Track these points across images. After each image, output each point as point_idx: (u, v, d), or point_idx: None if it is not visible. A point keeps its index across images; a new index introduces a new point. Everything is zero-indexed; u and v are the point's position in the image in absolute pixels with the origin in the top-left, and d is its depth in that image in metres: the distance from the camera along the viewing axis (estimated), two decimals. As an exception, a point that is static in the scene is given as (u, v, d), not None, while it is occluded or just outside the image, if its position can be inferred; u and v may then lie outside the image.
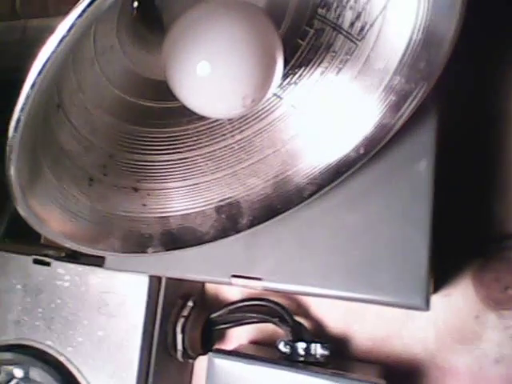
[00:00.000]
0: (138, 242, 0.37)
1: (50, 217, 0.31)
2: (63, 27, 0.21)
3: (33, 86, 0.22)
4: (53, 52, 0.21)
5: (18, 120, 0.23)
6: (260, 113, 0.40)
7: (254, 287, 0.43)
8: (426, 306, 0.39)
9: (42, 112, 0.27)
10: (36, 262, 0.52)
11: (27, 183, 0.27)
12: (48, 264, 0.51)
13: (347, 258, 0.41)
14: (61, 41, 0.21)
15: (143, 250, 0.37)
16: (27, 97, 0.22)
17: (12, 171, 0.25)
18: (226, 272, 0.44)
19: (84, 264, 0.50)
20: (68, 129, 0.32)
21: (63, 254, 0.53)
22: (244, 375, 0.46)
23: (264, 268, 0.43)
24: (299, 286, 0.42)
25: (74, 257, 0.53)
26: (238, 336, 0.56)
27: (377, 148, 0.38)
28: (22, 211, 0.28)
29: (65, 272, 0.50)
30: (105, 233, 0.35)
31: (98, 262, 0.50)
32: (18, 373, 0.49)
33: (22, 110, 0.22)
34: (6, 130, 0.24)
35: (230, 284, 0.44)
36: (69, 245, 0.33)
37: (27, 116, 0.23)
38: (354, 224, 0.41)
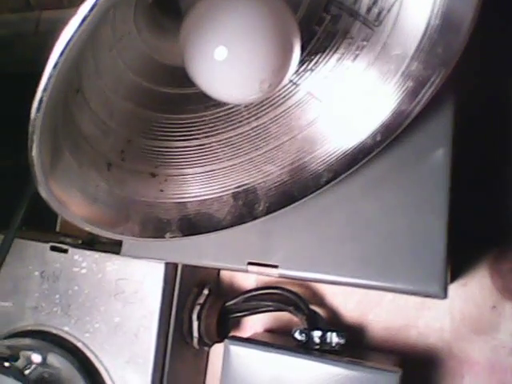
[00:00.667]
0: (156, 227, 0.37)
1: (70, 200, 0.31)
2: (85, 7, 0.21)
3: (55, 66, 0.22)
4: (75, 32, 0.21)
5: (41, 100, 0.23)
6: (276, 99, 0.40)
7: (270, 275, 0.43)
8: (444, 293, 0.39)
9: (63, 95, 0.28)
10: (53, 248, 0.52)
11: (49, 166, 0.28)
12: (65, 251, 0.52)
13: (364, 245, 0.41)
14: (83, 20, 0.21)
15: (161, 234, 0.37)
16: (50, 77, 0.22)
17: (34, 152, 0.25)
18: (242, 259, 0.44)
19: (101, 251, 0.51)
20: (87, 113, 0.32)
21: (80, 242, 0.53)
22: (260, 362, 0.46)
23: (280, 255, 0.43)
24: (316, 274, 0.42)
25: (90, 244, 0.53)
26: (253, 324, 0.57)
27: (394, 135, 0.38)
28: (43, 193, 0.29)
29: (82, 259, 0.51)
30: (124, 217, 0.36)
31: (114, 249, 0.50)
32: (36, 358, 0.49)
33: (44, 90, 0.22)
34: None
35: (246, 271, 0.44)
36: (88, 228, 0.33)
37: (49, 97, 0.24)
38: (371, 211, 0.41)
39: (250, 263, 0.44)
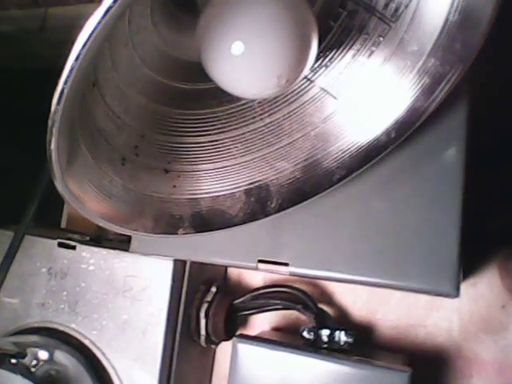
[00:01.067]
0: (169, 223, 0.37)
1: (86, 195, 0.31)
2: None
3: (77, 58, 0.22)
4: (98, 23, 0.21)
5: (62, 92, 0.22)
6: (290, 96, 0.40)
7: (280, 272, 0.43)
8: (456, 292, 0.38)
9: (81, 89, 0.27)
10: (61, 245, 0.52)
11: (65, 160, 0.27)
12: (73, 247, 0.51)
13: (376, 243, 0.40)
14: (106, 12, 0.21)
15: (174, 231, 0.37)
16: (71, 69, 0.22)
17: (53, 145, 0.25)
18: (253, 257, 0.43)
19: (109, 248, 0.50)
20: (102, 107, 0.32)
21: (88, 239, 0.53)
22: (268, 361, 0.46)
23: (291, 253, 0.43)
24: (327, 272, 0.41)
25: (97, 241, 0.53)
26: (261, 322, 0.56)
27: (408, 132, 0.38)
28: (60, 188, 0.28)
29: (90, 256, 0.51)
30: (137, 213, 0.35)
31: (121, 246, 0.50)
32: (43, 355, 0.49)
33: (65, 82, 0.22)
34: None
35: (256, 269, 0.43)
36: (102, 224, 0.33)
37: (69, 90, 0.23)
38: (384, 209, 0.40)
39: (261, 261, 0.43)
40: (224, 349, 0.57)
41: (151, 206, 0.36)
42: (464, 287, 0.50)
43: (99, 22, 0.21)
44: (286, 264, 0.43)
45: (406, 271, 0.39)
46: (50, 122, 0.24)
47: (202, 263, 0.49)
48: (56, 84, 0.23)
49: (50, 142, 0.24)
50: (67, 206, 0.65)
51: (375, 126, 0.38)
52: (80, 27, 0.21)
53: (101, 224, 0.33)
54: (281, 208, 0.39)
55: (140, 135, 0.36)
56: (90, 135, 0.31)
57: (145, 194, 0.36)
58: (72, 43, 0.22)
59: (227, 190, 0.39)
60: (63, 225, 0.65)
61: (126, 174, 0.34)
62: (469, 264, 0.49)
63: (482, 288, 0.51)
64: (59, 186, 0.28)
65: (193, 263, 0.50)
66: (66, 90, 0.22)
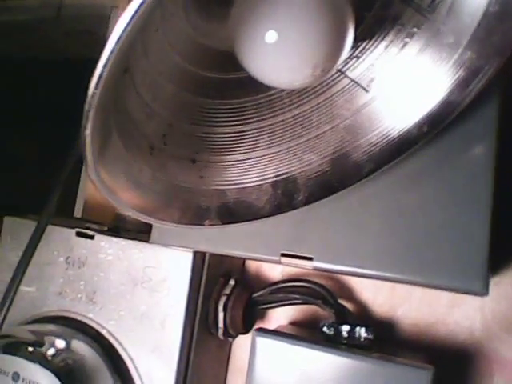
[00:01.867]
0: (196, 214, 0.36)
1: (117, 184, 0.30)
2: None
3: (118, 40, 0.21)
4: (142, 3, 0.20)
5: (101, 76, 0.22)
6: (319, 87, 0.39)
7: (304, 267, 0.42)
8: (486, 290, 0.38)
9: (114, 74, 0.26)
10: (79, 234, 0.51)
11: (98, 148, 0.27)
12: (91, 237, 0.51)
13: (404, 239, 0.39)
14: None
15: (200, 222, 0.36)
16: (111, 52, 0.21)
17: (88, 131, 0.24)
18: (275, 250, 0.43)
19: (128, 238, 0.50)
20: (133, 94, 0.31)
21: (106, 228, 0.52)
22: (287, 355, 0.45)
23: (315, 247, 0.42)
24: (352, 268, 0.41)
25: (115, 231, 0.52)
26: (278, 317, 0.56)
27: (441, 126, 0.37)
28: (92, 176, 0.27)
29: (108, 246, 0.50)
30: (165, 202, 0.35)
31: (139, 237, 0.50)
32: (60, 343, 0.48)
33: (105, 65, 0.21)
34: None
35: (279, 263, 0.43)
36: (132, 213, 0.32)
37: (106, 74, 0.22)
38: (412, 204, 0.40)
39: (284, 254, 0.43)
40: (240, 342, 0.56)
41: (178, 196, 0.35)
42: (487, 286, 0.50)
43: (143, 2, 0.20)
44: (309, 258, 0.42)
45: (434, 268, 0.39)
46: (86, 107, 0.23)
47: (222, 255, 0.48)
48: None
49: (85, 127, 0.24)
50: (81, 195, 0.65)
51: (407, 119, 0.37)
52: (122, 8, 0.20)
53: (129, 213, 0.32)
54: (308, 201, 0.39)
55: (168, 124, 0.35)
56: (121, 122, 0.30)
57: (173, 184, 0.35)
58: (108, 28, 0.21)
59: (254, 181, 0.38)
60: (77, 214, 0.65)
61: (155, 162, 0.34)
62: (492, 262, 0.48)
63: (505, 287, 0.50)
64: (92, 174, 0.27)
65: (212, 255, 0.49)
66: (104, 74, 0.22)
